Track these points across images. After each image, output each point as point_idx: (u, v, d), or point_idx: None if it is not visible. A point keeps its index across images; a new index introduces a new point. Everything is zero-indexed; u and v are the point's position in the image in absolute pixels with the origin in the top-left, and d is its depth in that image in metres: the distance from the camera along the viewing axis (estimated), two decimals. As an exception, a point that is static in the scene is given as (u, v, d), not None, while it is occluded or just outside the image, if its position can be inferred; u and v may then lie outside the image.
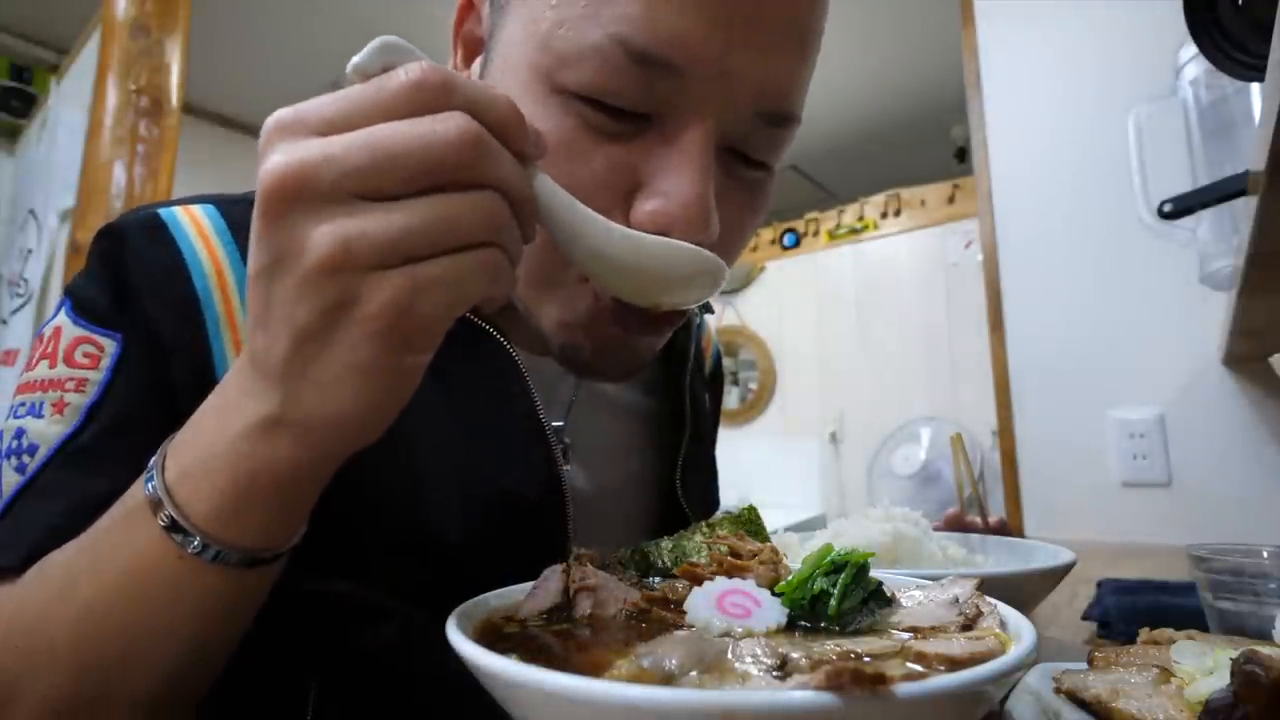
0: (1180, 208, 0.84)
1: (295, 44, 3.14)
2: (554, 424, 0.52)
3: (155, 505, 0.31)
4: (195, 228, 0.45)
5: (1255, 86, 0.85)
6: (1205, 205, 0.80)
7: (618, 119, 0.38)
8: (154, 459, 0.32)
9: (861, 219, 3.61)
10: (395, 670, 0.45)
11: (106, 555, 0.33)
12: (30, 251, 2.17)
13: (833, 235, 3.69)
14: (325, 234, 0.25)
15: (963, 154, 3.86)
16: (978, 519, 0.78)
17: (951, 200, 3.33)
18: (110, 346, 0.42)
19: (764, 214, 0.47)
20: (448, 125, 0.26)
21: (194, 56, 1.92)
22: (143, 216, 0.45)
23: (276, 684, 0.43)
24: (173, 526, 0.30)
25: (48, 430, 0.40)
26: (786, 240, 3.86)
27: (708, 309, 0.73)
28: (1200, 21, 0.64)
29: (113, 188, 1.71)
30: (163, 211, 0.45)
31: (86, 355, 0.42)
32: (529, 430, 0.49)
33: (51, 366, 0.42)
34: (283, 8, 2.89)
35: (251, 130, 3.75)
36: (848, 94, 3.61)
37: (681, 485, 0.61)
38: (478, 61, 0.46)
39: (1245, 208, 0.67)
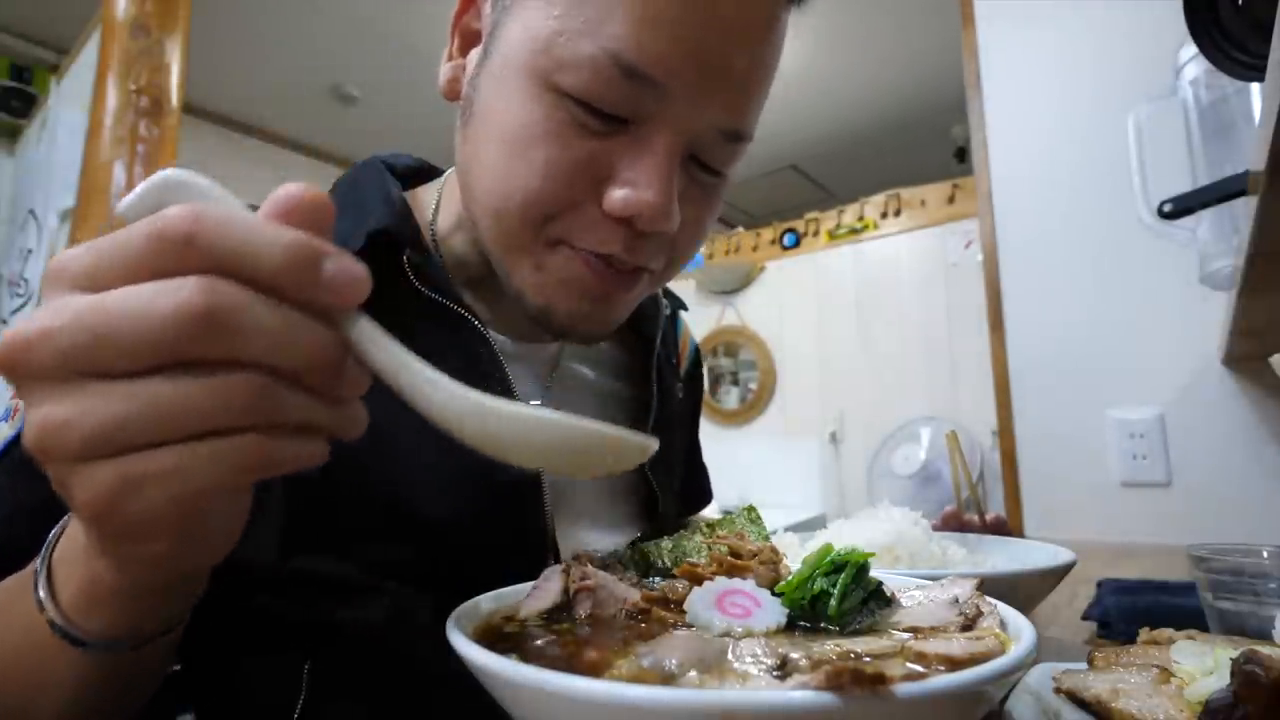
0: (1180, 208, 0.84)
1: (295, 44, 3.14)
2: (531, 404, 0.54)
3: (37, 579, 0.31)
4: None
5: (1255, 86, 0.85)
6: (1205, 205, 0.80)
7: (600, 119, 0.43)
8: (56, 529, 0.33)
9: (861, 219, 3.61)
10: (384, 647, 0.46)
11: (7, 608, 0.34)
12: (30, 251, 2.17)
13: (833, 235, 3.69)
14: (34, 416, 0.23)
15: (963, 154, 3.86)
16: (975, 517, 0.78)
17: (951, 200, 3.33)
18: None
19: (716, 215, 0.53)
20: (169, 299, 0.22)
21: (194, 56, 1.92)
22: None
23: (270, 663, 0.45)
24: (42, 605, 0.30)
25: (3, 432, 0.43)
26: (786, 240, 3.86)
27: (681, 305, 0.78)
28: (1200, 21, 0.64)
29: (113, 188, 1.71)
30: None
31: None
32: None
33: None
34: (283, 8, 2.89)
35: (251, 130, 3.75)
36: (848, 94, 3.61)
37: (651, 468, 0.63)
38: (474, 52, 0.50)
39: (1245, 208, 0.67)
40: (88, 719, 0.35)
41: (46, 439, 0.22)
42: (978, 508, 0.78)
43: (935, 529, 0.67)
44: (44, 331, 0.22)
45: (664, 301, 0.72)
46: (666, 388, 0.67)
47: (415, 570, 0.47)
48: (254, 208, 0.27)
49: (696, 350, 0.83)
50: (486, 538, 0.50)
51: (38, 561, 0.32)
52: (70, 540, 0.31)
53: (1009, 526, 0.80)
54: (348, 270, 0.24)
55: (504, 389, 0.53)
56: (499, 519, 0.51)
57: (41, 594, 0.30)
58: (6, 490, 0.41)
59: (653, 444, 0.30)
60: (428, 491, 0.48)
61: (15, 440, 0.43)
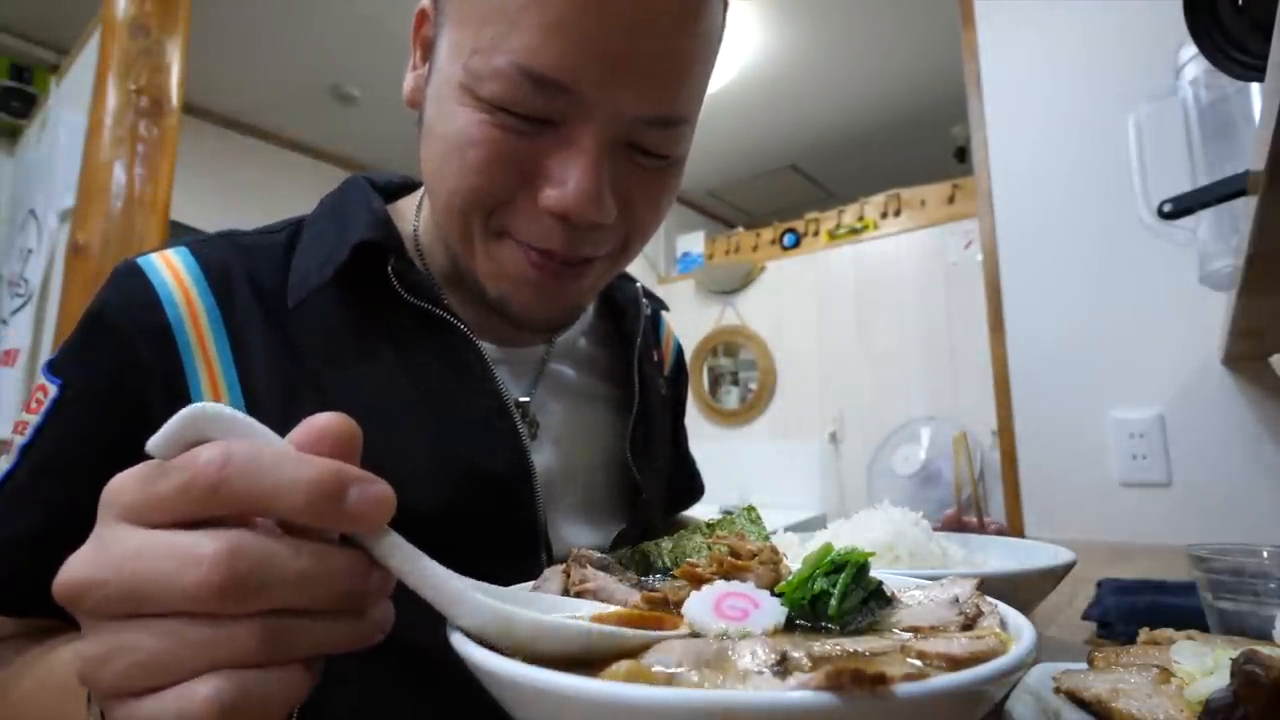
0: (1180, 208, 0.84)
1: (295, 44, 3.14)
2: (520, 400, 0.58)
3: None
4: (169, 269, 0.51)
5: (1255, 86, 0.85)
6: (1205, 205, 0.80)
7: (525, 122, 0.45)
8: None
9: (861, 219, 3.61)
10: (383, 644, 0.46)
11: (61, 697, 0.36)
12: (30, 251, 2.16)
13: (833, 235, 3.69)
14: (82, 651, 0.25)
15: (963, 154, 3.86)
16: (974, 519, 0.78)
17: (951, 200, 3.33)
18: (52, 391, 0.47)
19: (674, 193, 0.54)
20: (192, 575, 0.23)
21: (194, 56, 1.91)
22: (122, 265, 0.52)
23: None
24: None
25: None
26: (786, 240, 3.86)
27: (662, 305, 0.80)
28: (1200, 21, 0.64)
29: (113, 188, 1.71)
30: (139, 259, 0.52)
31: (37, 401, 0.48)
32: (494, 409, 0.54)
33: (21, 412, 0.48)
34: (283, 8, 2.89)
35: (251, 130, 3.75)
36: (847, 94, 3.61)
37: (633, 460, 0.64)
38: (425, 64, 0.53)
39: (1245, 208, 0.67)
40: None
41: (88, 673, 0.25)
42: (978, 510, 0.79)
43: (937, 531, 0.67)
44: (89, 581, 0.24)
45: (644, 301, 0.74)
46: (648, 383, 0.69)
47: None
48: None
49: (680, 350, 0.85)
50: (479, 531, 0.51)
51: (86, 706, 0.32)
52: None
53: (1010, 533, 0.80)
54: (372, 495, 0.26)
55: (492, 392, 0.54)
56: (491, 513, 0.52)
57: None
58: (3, 520, 0.43)
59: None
60: (419, 486, 0.48)
61: (7, 476, 0.45)
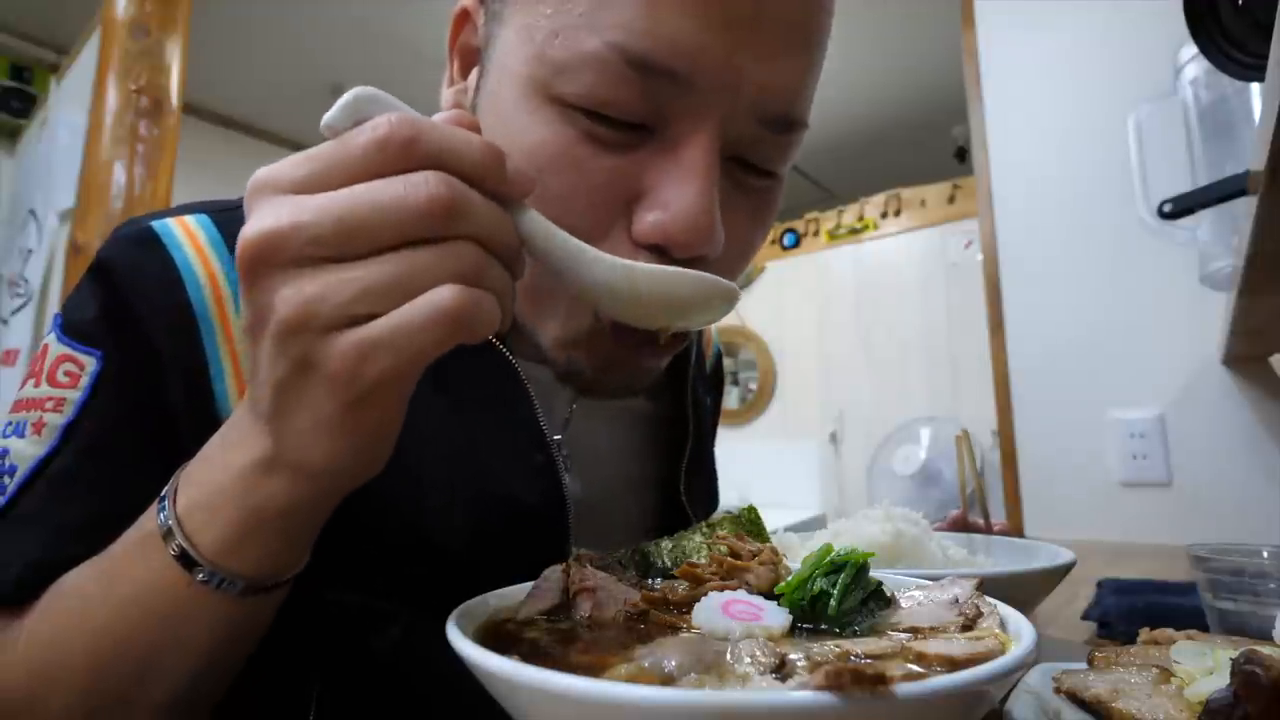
0: (1180, 208, 0.84)
1: (295, 44, 3.14)
2: (554, 437, 0.51)
3: (166, 535, 0.32)
4: (189, 239, 0.44)
5: (1255, 86, 0.85)
6: (1205, 205, 0.80)
7: (617, 129, 0.37)
8: (166, 488, 0.33)
9: (861, 219, 3.61)
10: (398, 672, 0.45)
11: (121, 579, 0.34)
12: (30, 251, 2.16)
13: (833, 235, 3.69)
14: (288, 298, 0.26)
15: (963, 154, 3.86)
16: (980, 520, 0.77)
17: (951, 200, 3.33)
18: (90, 364, 0.41)
19: (770, 224, 0.46)
20: (417, 191, 0.26)
21: (194, 56, 1.91)
22: (136, 230, 0.44)
23: (280, 685, 0.44)
24: (182, 556, 0.31)
25: (26, 451, 0.40)
26: (786, 240, 3.86)
27: None
28: (1200, 21, 0.64)
29: (113, 188, 1.71)
30: (155, 224, 0.44)
31: (67, 374, 0.41)
32: (530, 439, 0.49)
33: (36, 385, 0.41)
34: (282, 8, 2.89)
35: (251, 130, 3.75)
36: (848, 94, 3.61)
37: (685, 488, 0.60)
38: (474, 72, 0.45)
39: (1245, 208, 0.67)
40: (205, 680, 0.35)
41: (300, 314, 0.26)
42: (983, 510, 0.78)
43: (939, 531, 0.66)
44: (294, 225, 0.25)
45: None
46: (699, 401, 0.63)
47: (436, 597, 0.44)
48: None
49: (719, 350, 0.78)
50: (509, 567, 0.46)
51: (157, 519, 0.32)
52: (213, 480, 0.31)
53: (1012, 534, 0.79)
54: (521, 168, 0.29)
55: (529, 417, 0.49)
56: (522, 548, 0.47)
57: (183, 544, 0.31)
58: (48, 510, 0.39)
59: (735, 292, 0.35)
60: (451, 520, 0.46)
61: (47, 458, 0.40)
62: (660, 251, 0.38)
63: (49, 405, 0.41)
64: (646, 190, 0.38)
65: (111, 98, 1.73)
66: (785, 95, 0.39)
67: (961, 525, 0.77)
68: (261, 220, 0.26)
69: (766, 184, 0.43)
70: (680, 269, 0.33)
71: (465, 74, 0.47)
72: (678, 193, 0.37)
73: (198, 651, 0.34)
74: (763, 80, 0.37)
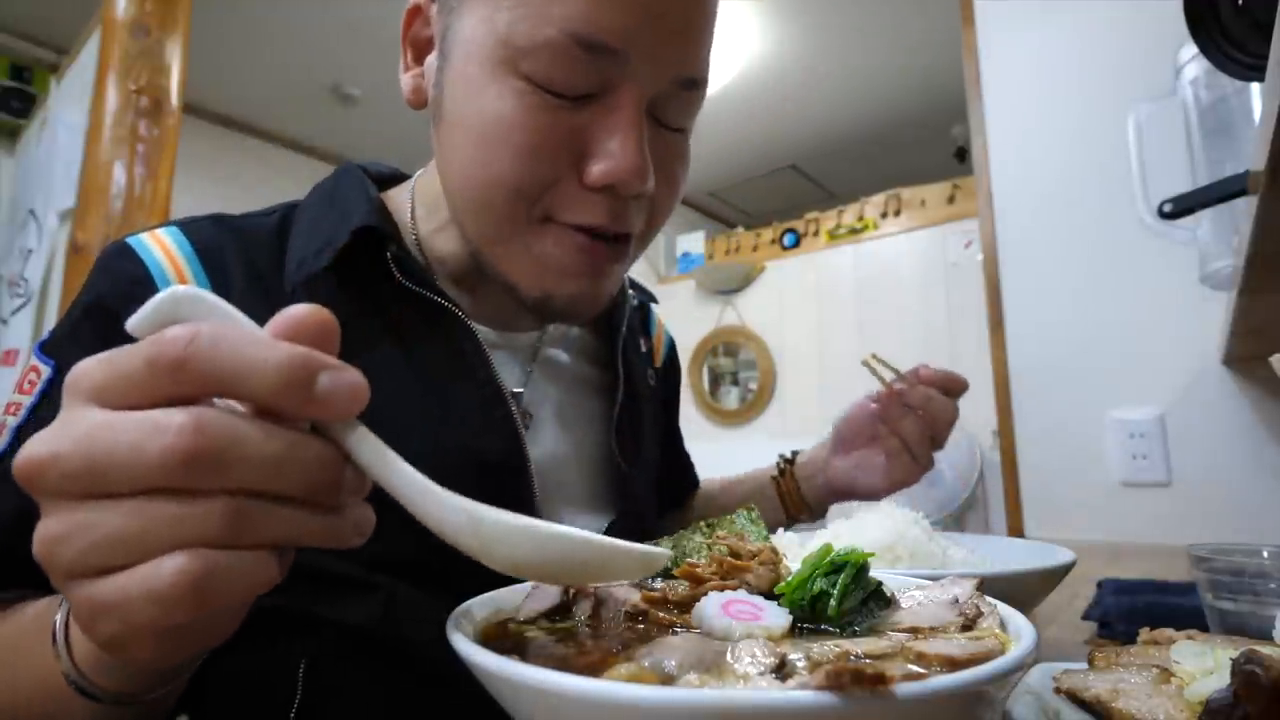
0: (1180, 208, 0.84)
1: (295, 44, 3.14)
2: (513, 390, 0.58)
3: (53, 635, 0.32)
4: (159, 246, 0.50)
5: (1255, 86, 0.85)
6: (1205, 205, 0.80)
7: (568, 98, 0.45)
8: None
9: (861, 219, 3.61)
10: (380, 644, 0.46)
11: (26, 652, 0.35)
12: (30, 251, 2.16)
13: (833, 235, 3.69)
14: (40, 532, 0.24)
15: (963, 154, 3.86)
16: (901, 385, 0.77)
17: (951, 200, 3.33)
18: (45, 372, 0.47)
19: (687, 171, 0.55)
20: (153, 440, 0.23)
21: (194, 56, 1.92)
22: (114, 245, 0.51)
23: (266, 657, 0.45)
24: (59, 657, 0.31)
25: None
26: (786, 240, 3.86)
27: (651, 298, 0.81)
28: (1200, 21, 0.64)
29: (113, 188, 1.71)
30: (129, 239, 0.51)
31: (29, 382, 0.47)
32: (489, 396, 0.54)
33: (12, 392, 0.47)
34: (283, 8, 2.89)
35: (251, 130, 3.75)
36: (848, 94, 3.61)
37: (618, 447, 0.63)
38: (430, 58, 0.52)
39: (1245, 208, 0.67)
40: None
41: (43, 555, 0.24)
42: (895, 372, 0.77)
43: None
44: (53, 456, 0.23)
45: (631, 292, 0.74)
46: (632, 369, 0.69)
47: (407, 562, 0.47)
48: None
49: (672, 344, 0.86)
50: None
51: (59, 614, 0.32)
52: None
53: (955, 383, 0.77)
54: (344, 382, 0.25)
55: (487, 380, 0.54)
56: (488, 502, 0.50)
57: (60, 649, 0.31)
58: None
59: (658, 557, 0.30)
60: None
61: (3, 453, 0.44)
62: (609, 191, 0.47)
63: (11, 409, 0.46)
64: (593, 144, 0.46)
65: (111, 98, 1.73)
66: (695, 60, 0.48)
67: (896, 405, 0.77)
68: (43, 437, 0.24)
69: (676, 137, 0.52)
70: (528, 524, 0.28)
71: (419, 61, 0.54)
72: (620, 144, 0.46)
73: None
74: (679, 51, 0.47)
